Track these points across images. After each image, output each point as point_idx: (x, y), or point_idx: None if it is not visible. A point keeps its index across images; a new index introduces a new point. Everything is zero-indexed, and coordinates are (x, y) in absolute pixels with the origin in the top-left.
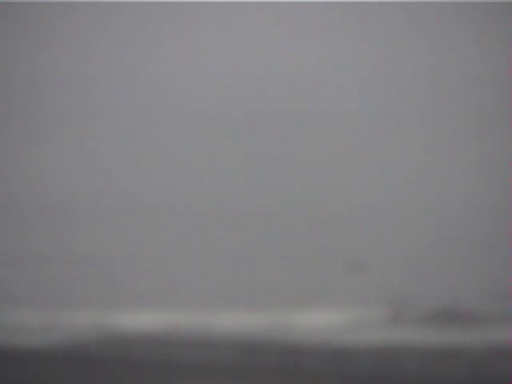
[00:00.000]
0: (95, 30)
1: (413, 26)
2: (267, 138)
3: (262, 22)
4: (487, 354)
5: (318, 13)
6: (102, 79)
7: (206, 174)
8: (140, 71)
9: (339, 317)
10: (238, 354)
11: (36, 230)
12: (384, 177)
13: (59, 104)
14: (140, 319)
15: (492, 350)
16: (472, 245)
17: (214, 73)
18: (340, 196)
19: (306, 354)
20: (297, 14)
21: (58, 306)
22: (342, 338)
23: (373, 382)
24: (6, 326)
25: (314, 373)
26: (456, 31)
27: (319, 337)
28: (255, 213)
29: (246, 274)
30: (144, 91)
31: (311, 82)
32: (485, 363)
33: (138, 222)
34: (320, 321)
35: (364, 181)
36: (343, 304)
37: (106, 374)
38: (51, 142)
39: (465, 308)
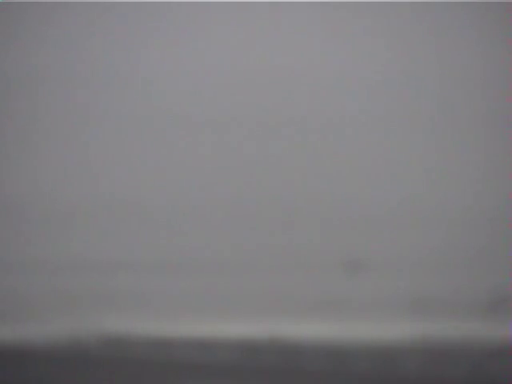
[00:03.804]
0: (93, 30)
1: (414, 27)
2: (268, 139)
3: (262, 22)
4: None
5: (318, 13)
6: (101, 80)
7: (207, 175)
8: (138, 71)
9: None
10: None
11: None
12: (384, 178)
13: (58, 105)
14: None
15: None
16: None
17: (213, 74)
18: (344, 200)
19: None
20: (297, 14)
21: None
22: None
23: None
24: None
25: None
26: (459, 31)
27: None
28: (261, 216)
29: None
30: (143, 92)
31: (312, 83)
32: None
33: (138, 224)
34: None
35: (365, 185)
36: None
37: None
38: (50, 142)
39: None
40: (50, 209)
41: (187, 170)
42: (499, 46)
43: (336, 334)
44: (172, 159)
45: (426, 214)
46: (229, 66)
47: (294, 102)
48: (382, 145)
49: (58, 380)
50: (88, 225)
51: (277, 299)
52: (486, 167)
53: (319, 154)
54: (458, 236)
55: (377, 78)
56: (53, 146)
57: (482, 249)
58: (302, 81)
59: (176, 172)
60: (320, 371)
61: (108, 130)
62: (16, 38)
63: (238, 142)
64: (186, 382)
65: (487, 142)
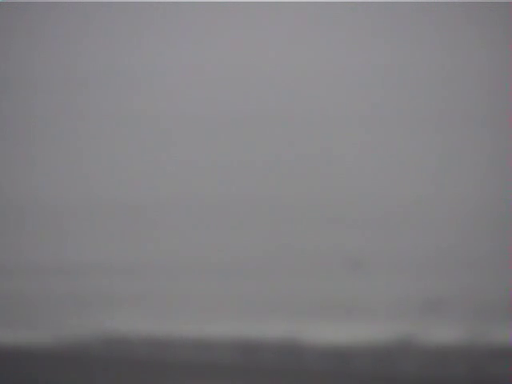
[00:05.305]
0: (94, 30)
1: (415, 27)
2: (268, 140)
3: (262, 22)
4: None
5: (319, 13)
6: (100, 80)
7: (206, 175)
8: (137, 72)
9: None
10: None
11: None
12: (387, 178)
13: (57, 106)
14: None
15: None
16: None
17: (213, 74)
18: (345, 201)
19: None
20: (297, 14)
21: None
22: None
23: None
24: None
25: None
26: (460, 32)
27: None
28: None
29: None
30: (142, 92)
31: (313, 84)
32: None
33: (136, 225)
34: None
35: (366, 185)
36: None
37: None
38: (49, 143)
39: None
40: (48, 212)
41: (185, 171)
42: (500, 46)
43: (338, 334)
44: (169, 160)
45: (431, 214)
46: (229, 65)
47: (294, 102)
48: (384, 145)
49: (57, 380)
50: (87, 227)
51: (277, 300)
52: (489, 166)
53: (319, 154)
54: (461, 236)
55: (377, 77)
56: (50, 149)
57: (486, 249)
58: (302, 81)
59: (175, 173)
60: (322, 371)
61: (106, 131)
62: (16, 38)
63: (235, 143)
64: (186, 382)
65: (490, 140)
